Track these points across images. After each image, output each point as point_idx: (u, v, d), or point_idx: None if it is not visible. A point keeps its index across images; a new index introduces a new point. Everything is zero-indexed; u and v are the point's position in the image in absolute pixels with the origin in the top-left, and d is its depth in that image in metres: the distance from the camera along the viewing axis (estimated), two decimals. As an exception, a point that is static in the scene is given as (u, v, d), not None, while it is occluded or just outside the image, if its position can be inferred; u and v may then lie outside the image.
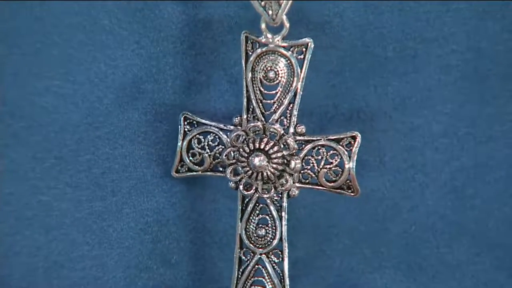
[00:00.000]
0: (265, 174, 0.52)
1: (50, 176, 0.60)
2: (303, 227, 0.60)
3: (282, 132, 0.52)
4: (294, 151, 0.52)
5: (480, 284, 0.60)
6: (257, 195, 0.54)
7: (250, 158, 0.52)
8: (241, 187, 0.54)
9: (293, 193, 0.53)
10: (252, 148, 0.52)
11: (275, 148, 0.52)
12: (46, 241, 0.61)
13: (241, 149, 0.53)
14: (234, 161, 0.54)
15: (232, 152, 0.54)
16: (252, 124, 0.53)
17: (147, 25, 0.58)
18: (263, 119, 0.53)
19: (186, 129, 0.57)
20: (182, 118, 0.57)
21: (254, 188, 0.53)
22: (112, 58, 0.59)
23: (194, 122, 0.56)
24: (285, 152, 0.52)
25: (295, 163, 0.52)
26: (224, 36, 0.59)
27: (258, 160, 0.52)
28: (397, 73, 0.58)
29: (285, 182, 0.52)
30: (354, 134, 0.51)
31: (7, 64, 0.58)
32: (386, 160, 0.59)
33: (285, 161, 0.52)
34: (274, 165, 0.52)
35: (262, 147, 0.52)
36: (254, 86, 0.53)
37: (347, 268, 0.61)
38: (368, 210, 0.60)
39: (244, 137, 0.53)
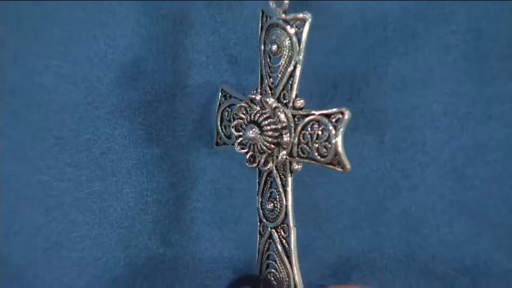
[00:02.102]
0: (259, 146, 0.52)
1: (49, 156, 0.60)
2: (303, 208, 0.59)
3: (274, 105, 0.52)
4: (285, 125, 0.52)
5: (480, 263, 0.60)
6: (264, 168, 0.53)
7: (245, 130, 0.52)
8: (246, 159, 0.54)
9: (296, 167, 0.53)
10: (249, 120, 0.52)
11: (267, 121, 0.52)
12: (45, 221, 0.60)
13: (242, 122, 0.53)
14: (241, 133, 0.54)
15: (238, 124, 0.54)
16: (249, 96, 0.53)
17: (147, 3, 0.58)
18: (270, 92, 0.53)
19: (221, 102, 0.57)
20: (220, 91, 0.58)
21: (257, 161, 0.53)
22: (111, 37, 0.58)
23: (228, 95, 0.57)
24: (279, 126, 0.52)
25: (285, 137, 0.52)
26: (224, 15, 0.58)
27: (250, 133, 0.52)
28: (397, 53, 0.58)
29: (277, 155, 0.52)
30: (342, 110, 0.51)
31: (6, 43, 0.58)
32: (386, 140, 0.59)
33: (278, 134, 0.52)
34: (266, 138, 0.52)
35: (256, 119, 0.52)
36: (264, 59, 0.53)
37: (347, 248, 0.61)
38: (367, 190, 0.60)
39: (247, 109, 0.53)
